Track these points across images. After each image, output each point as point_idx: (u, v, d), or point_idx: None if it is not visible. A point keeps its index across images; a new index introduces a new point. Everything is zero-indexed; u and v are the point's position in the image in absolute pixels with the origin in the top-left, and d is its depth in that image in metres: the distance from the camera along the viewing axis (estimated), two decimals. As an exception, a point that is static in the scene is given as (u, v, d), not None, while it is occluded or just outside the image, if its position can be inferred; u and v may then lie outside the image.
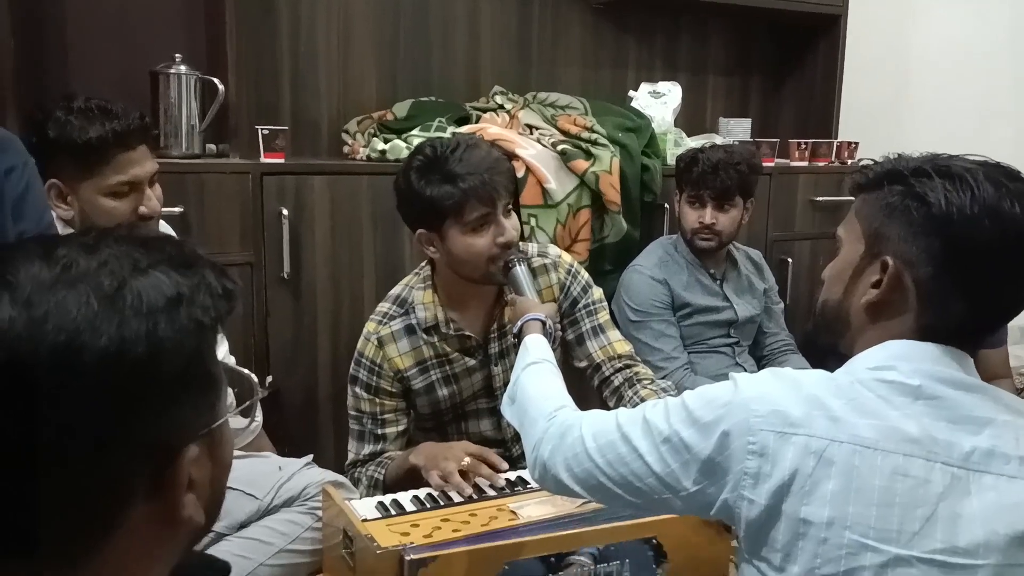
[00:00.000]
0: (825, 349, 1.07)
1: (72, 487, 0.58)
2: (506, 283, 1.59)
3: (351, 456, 1.70)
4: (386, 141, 2.34)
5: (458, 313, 1.67)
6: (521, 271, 1.57)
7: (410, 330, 1.66)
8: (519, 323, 1.47)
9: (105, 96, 1.54)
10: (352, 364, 1.69)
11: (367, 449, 1.68)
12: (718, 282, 2.36)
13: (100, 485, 0.59)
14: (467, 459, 1.47)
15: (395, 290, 1.72)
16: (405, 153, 2.28)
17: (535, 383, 1.26)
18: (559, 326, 1.68)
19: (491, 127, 2.38)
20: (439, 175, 1.52)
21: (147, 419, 0.60)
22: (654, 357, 2.21)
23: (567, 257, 1.77)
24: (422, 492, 1.45)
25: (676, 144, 2.64)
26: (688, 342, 2.32)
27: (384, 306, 1.70)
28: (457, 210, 1.52)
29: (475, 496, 1.41)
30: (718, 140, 2.67)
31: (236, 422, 1.59)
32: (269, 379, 2.14)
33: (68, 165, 1.47)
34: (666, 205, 2.56)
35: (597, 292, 1.77)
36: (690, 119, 3.03)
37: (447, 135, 2.25)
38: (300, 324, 2.20)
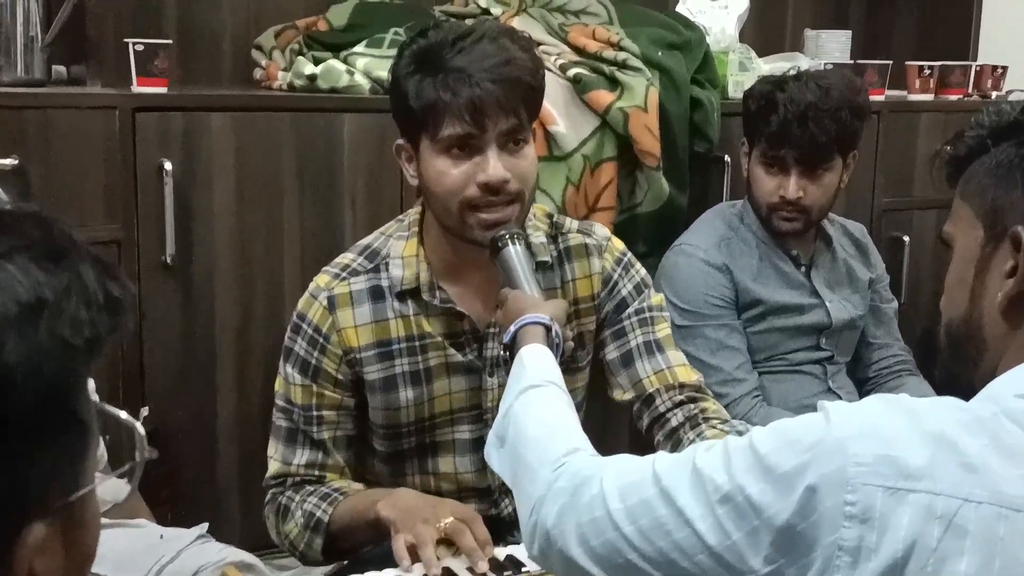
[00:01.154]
0: (960, 385, 1.07)
1: None
2: (494, 264, 1.62)
3: (274, 466, 1.71)
4: (318, 62, 2.35)
5: (450, 283, 1.70)
6: (514, 253, 1.58)
7: (376, 294, 1.68)
8: (512, 328, 1.49)
9: None
10: (287, 332, 1.71)
11: (299, 457, 1.69)
12: (803, 269, 2.37)
13: None
14: (447, 521, 1.49)
15: (365, 239, 1.76)
16: (345, 79, 2.31)
17: (536, 416, 1.25)
18: (569, 334, 1.65)
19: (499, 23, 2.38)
20: (427, 66, 1.56)
21: None
22: (710, 379, 2.16)
23: (619, 242, 1.82)
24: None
25: (742, 68, 2.63)
26: (759, 357, 2.33)
27: (346, 257, 1.73)
28: (429, 119, 1.56)
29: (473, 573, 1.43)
30: (804, 63, 2.66)
31: (107, 489, 1.57)
32: (145, 411, 2.14)
33: None
34: (727, 158, 2.55)
35: (657, 297, 1.81)
36: (764, 32, 3.01)
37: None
38: (191, 331, 2.20)
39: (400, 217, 1.76)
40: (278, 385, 1.72)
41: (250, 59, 2.53)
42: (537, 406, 1.28)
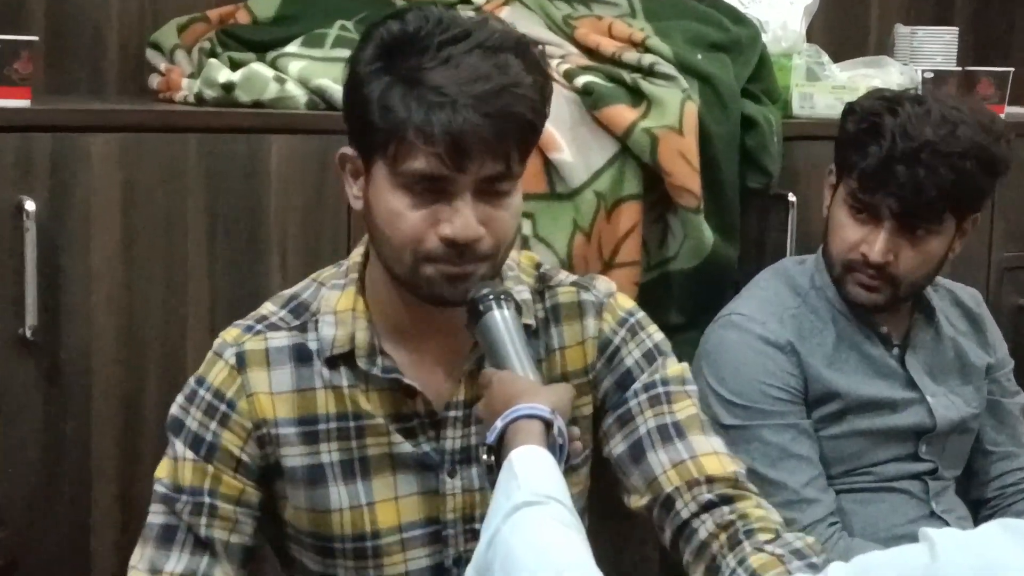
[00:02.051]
0: None
1: None
2: (471, 333, 1.65)
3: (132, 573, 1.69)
4: (236, 66, 2.37)
5: (399, 347, 1.72)
6: (502, 319, 1.60)
7: (301, 355, 1.71)
8: (499, 424, 1.49)
9: None
10: (177, 400, 1.74)
11: (174, 563, 1.68)
12: (896, 352, 2.38)
13: None
14: None
15: (292, 288, 1.80)
16: (273, 89, 2.33)
17: (532, 545, 1.28)
18: (577, 431, 1.65)
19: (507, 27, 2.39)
20: (399, 67, 1.57)
21: None
22: (772, 498, 2.13)
23: (625, 298, 1.85)
24: None
25: (811, 77, 2.64)
26: (838, 470, 2.33)
27: (265, 308, 1.77)
28: (392, 142, 1.57)
29: None
30: (894, 71, 2.67)
31: None
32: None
33: None
34: (791, 196, 2.57)
35: (676, 367, 1.81)
36: (840, 27, 3.05)
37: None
38: (58, 428, 2.19)
39: (339, 263, 1.79)
40: (160, 470, 1.72)
41: (144, 62, 2.55)
42: (533, 530, 1.30)
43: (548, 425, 1.47)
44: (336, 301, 1.71)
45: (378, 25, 1.63)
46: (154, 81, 2.51)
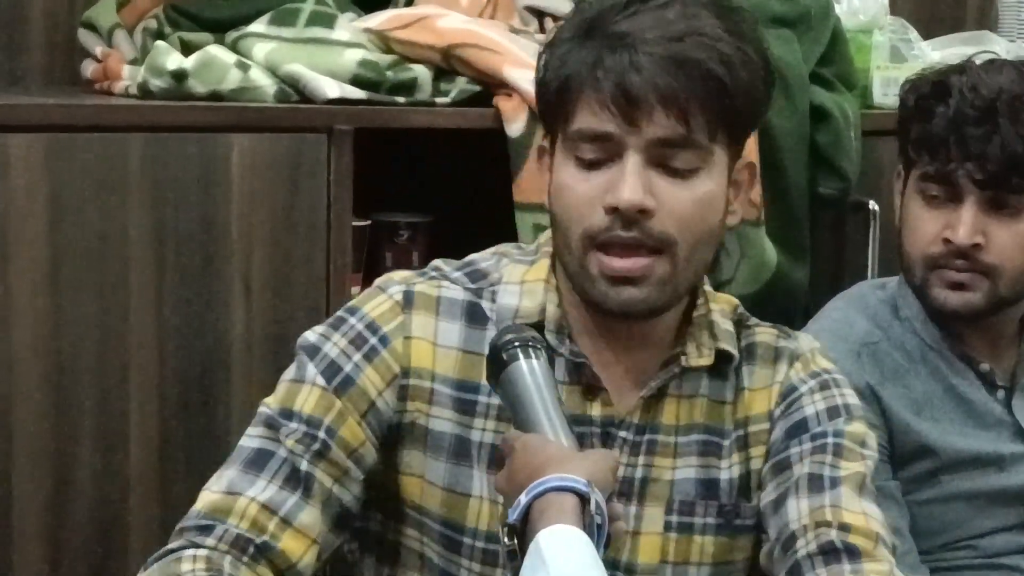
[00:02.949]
0: None
1: None
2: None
3: (205, 499, 1.69)
4: (188, 49, 2.39)
5: (588, 343, 1.79)
6: (528, 370, 1.62)
7: (475, 315, 1.80)
8: (523, 499, 1.49)
9: None
10: (319, 327, 1.80)
11: (258, 490, 1.68)
12: (1002, 394, 2.40)
13: None
14: None
15: (473, 255, 1.89)
16: (235, 77, 2.34)
17: None
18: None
19: (442, 14, 2.41)
20: (587, 31, 1.69)
21: None
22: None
23: (829, 360, 1.92)
24: None
25: (896, 57, 2.68)
26: (934, 543, 2.34)
27: (440, 263, 1.87)
28: (561, 100, 1.68)
29: None
30: (1000, 48, 2.66)
31: None
32: None
33: None
34: (873, 205, 2.60)
35: (860, 427, 1.86)
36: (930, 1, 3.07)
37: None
38: None
39: (520, 244, 1.91)
40: (273, 398, 1.76)
41: (76, 46, 2.58)
42: None
43: (584, 500, 1.46)
44: (524, 272, 1.80)
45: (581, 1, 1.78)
46: (88, 69, 2.53)
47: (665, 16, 1.63)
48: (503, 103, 2.34)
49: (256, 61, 2.34)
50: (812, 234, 2.55)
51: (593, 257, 1.65)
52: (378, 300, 1.76)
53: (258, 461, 1.69)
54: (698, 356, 1.77)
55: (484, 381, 1.73)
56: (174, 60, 2.32)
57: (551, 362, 1.67)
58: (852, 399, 1.86)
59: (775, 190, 2.47)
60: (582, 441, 1.69)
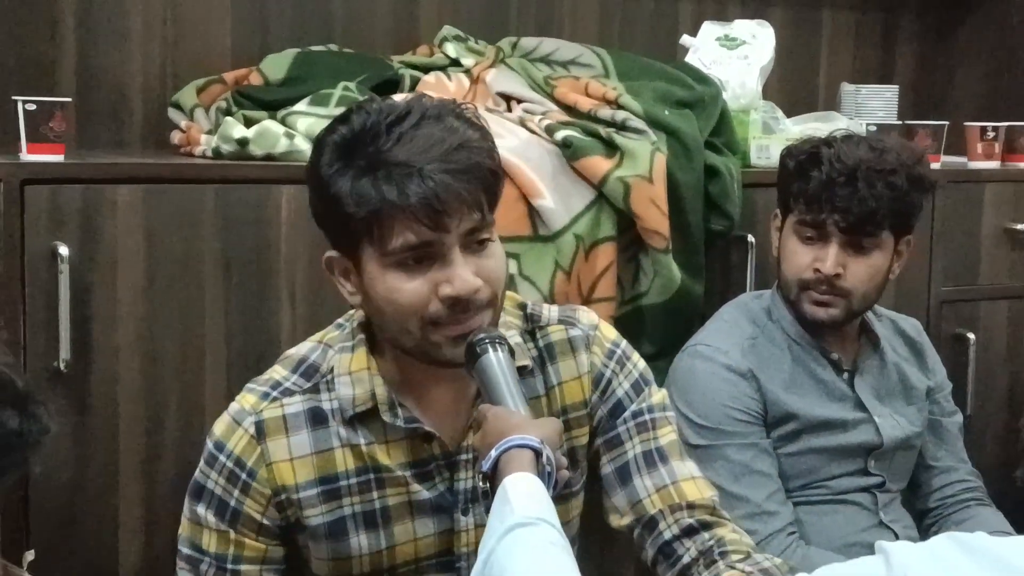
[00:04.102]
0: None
1: None
2: (469, 374, 1.61)
3: None
4: (249, 123, 2.34)
5: (411, 399, 1.68)
6: (496, 361, 1.56)
7: (317, 418, 1.66)
8: (493, 454, 1.47)
9: None
10: (200, 464, 1.69)
11: None
12: (846, 376, 2.35)
13: None
14: None
15: (298, 350, 1.74)
16: (284, 144, 2.29)
17: (524, 563, 1.27)
18: (564, 459, 1.61)
19: (436, 98, 2.35)
20: (360, 160, 1.52)
21: None
22: (735, 512, 2.11)
23: (609, 329, 1.82)
24: None
25: (767, 130, 2.64)
26: (794, 485, 2.29)
27: (276, 372, 1.71)
28: (374, 227, 1.52)
29: None
30: (842, 123, 2.66)
31: None
32: (29, 557, 2.06)
33: None
34: (751, 238, 2.56)
35: (659, 394, 1.80)
36: (792, 86, 3.06)
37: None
38: (86, 456, 2.13)
39: (339, 321, 1.74)
40: (183, 528, 1.69)
41: (166, 120, 2.53)
42: (525, 550, 1.29)
43: (538, 454, 1.45)
44: (349, 362, 1.66)
45: (327, 132, 1.60)
46: (175, 137, 2.49)
47: (432, 134, 1.53)
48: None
49: (299, 132, 2.31)
50: (706, 259, 2.52)
51: (436, 333, 1.55)
52: (237, 435, 1.64)
53: None
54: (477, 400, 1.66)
55: (340, 469, 1.66)
56: (239, 131, 2.32)
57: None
58: (641, 363, 1.80)
59: (679, 226, 2.44)
60: (431, 475, 1.68)
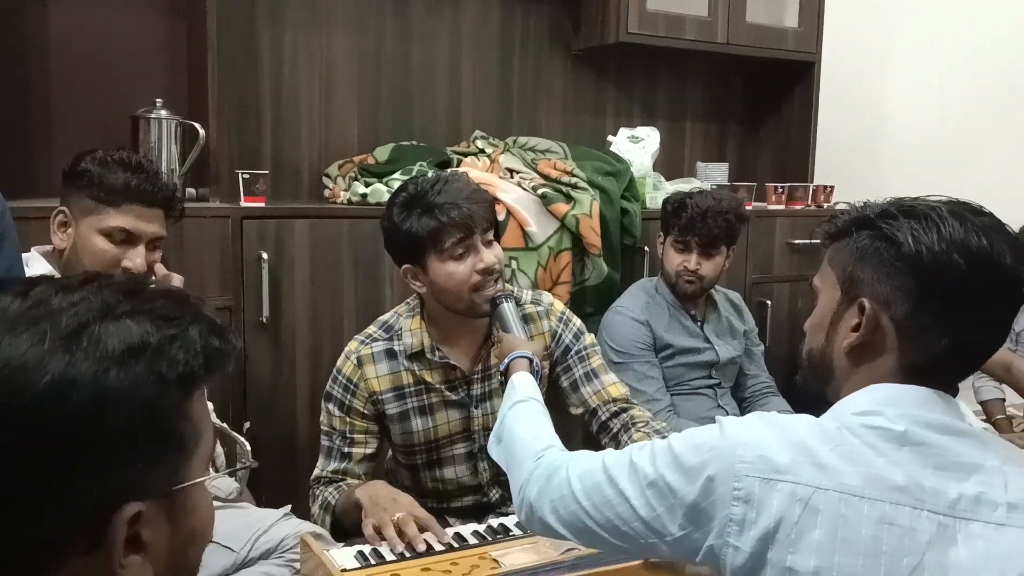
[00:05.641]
0: (810, 395, 1.07)
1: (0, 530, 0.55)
2: (492, 318, 1.58)
3: (316, 471, 1.67)
4: (367, 185, 2.34)
5: (446, 346, 1.64)
6: (508, 308, 1.55)
7: (391, 354, 1.64)
8: (506, 361, 1.46)
9: (89, 141, 1.57)
10: (329, 380, 1.66)
11: (332, 466, 1.64)
12: (699, 323, 2.34)
13: (31, 531, 0.55)
14: (399, 514, 1.42)
15: (384, 316, 1.71)
16: (386, 196, 2.23)
17: (522, 422, 1.24)
18: (546, 364, 1.66)
19: (472, 171, 2.38)
20: (419, 208, 1.52)
21: (85, 467, 0.56)
22: (637, 399, 2.11)
23: (559, 305, 1.76)
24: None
25: (655, 188, 2.64)
26: (670, 384, 2.29)
27: (370, 328, 1.69)
28: (436, 239, 1.51)
29: (407, 554, 1.35)
30: (697, 184, 2.66)
31: (222, 485, 1.53)
32: (247, 425, 2.08)
33: (83, 197, 1.51)
34: (646, 248, 2.55)
35: (589, 337, 1.75)
36: (668, 163, 3.04)
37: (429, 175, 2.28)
38: (279, 370, 2.16)
39: (407, 301, 1.72)
40: (322, 417, 1.68)
41: (321, 182, 2.52)
42: (523, 416, 1.26)
43: (531, 361, 1.45)
44: (409, 324, 1.65)
45: (392, 200, 1.58)
46: (326, 192, 2.45)
47: (458, 186, 1.55)
48: (496, 206, 2.25)
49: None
50: (621, 260, 2.51)
51: (477, 296, 1.54)
52: (347, 364, 1.63)
53: (328, 453, 1.65)
54: (497, 331, 1.61)
55: (404, 383, 1.62)
56: (361, 189, 2.32)
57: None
58: (577, 321, 1.74)
59: (607, 242, 2.44)
60: (456, 387, 1.64)
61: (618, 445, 1.64)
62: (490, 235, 1.57)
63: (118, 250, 1.50)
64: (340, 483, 1.63)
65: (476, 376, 1.66)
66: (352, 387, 1.63)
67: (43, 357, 0.56)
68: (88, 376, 0.56)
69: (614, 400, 1.69)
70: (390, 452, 1.76)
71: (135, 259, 1.51)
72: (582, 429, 1.79)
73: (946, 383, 0.95)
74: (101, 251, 1.49)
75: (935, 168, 3.50)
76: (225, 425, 1.69)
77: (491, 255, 1.55)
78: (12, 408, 0.54)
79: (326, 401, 1.66)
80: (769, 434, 0.92)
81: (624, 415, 1.68)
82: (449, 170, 2.09)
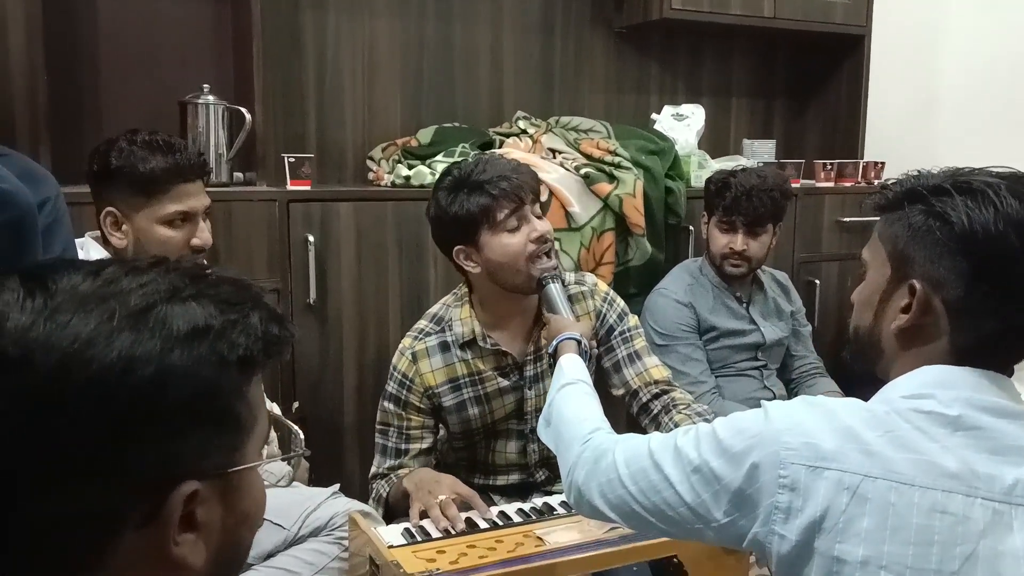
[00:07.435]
0: (859, 374, 1.04)
1: (57, 504, 0.56)
2: (540, 299, 1.59)
3: (372, 469, 1.69)
4: (410, 167, 2.34)
5: (496, 332, 1.65)
6: (555, 289, 1.55)
7: (444, 347, 1.65)
8: (554, 343, 1.46)
9: (139, 127, 1.58)
10: (387, 380, 1.68)
11: (388, 463, 1.67)
12: (744, 305, 2.32)
13: (93, 499, 0.57)
14: (442, 496, 1.44)
15: (432, 309, 1.72)
16: (429, 179, 2.27)
17: (570, 405, 1.24)
18: (595, 344, 1.66)
19: (514, 151, 2.37)
20: (467, 188, 1.53)
21: (144, 443, 0.58)
22: (681, 382, 2.14)
23: (603, 285, 1.76)
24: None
25: (700, 166, 2.62)
26: (715, 366, 2.27)
27: (421, 323, 1.70)
28: (488, 214, 1.52)
29: (452, 531, 1.37)
30: (743, 162, 2.62)
31: (276, 470, 1.56)
32: (296, 405, 2.11)
33: (127, 193, 1.51)
34: (691, 227, 2.53)
35: (633, 319, 1.74)
36: (714, 141, 3.00)
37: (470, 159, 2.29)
38: (326, 350, 2.18)
39: (454, 291, 1.73)
40: (379, 415, 1.69)
41: (365, 165, 2.53)
42: (571, 398, 1.26)
43: (579, 343, 1.45)
44: (459, 313, 1.66)
45: (438, 185, 1.59)
46: (370, 175, 2.47)
47: (501, 163, 1.56)
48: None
49: (438, 172, 2.25)
50: (665, 239, 2.49)
51: (533, 267, 1.54)
52: (402, 361, 1.64)
53: (384, 452, 1.66)
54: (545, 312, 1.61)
55: (459, 373, 1.63)
56: (404, 172, 2.32)
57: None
58: (621, 302, 1.74)
59: (650, 222, 2.42)
60: (508, 373, 1.65)
61: (659, 427, 1.65)
62: (538, 207, 1.58)
63: (181, 233, 1.53)
64: (389, 477, 1.66)
65: (528, 358, 1.66)
66: (408, 383, 1.65)
67: (111, 334, 0.57)
68: (153, 354, 0.58)
69: (656, 382, 1.69)
70: (442, 431, 1.78)
71: (203, 235, 1.56)
72: (625, 412, 1.78)
73: (1001, 365, 0.93)
74: (168, 238, 1.51)
75: (991, 145, 3.37)
76: (279, 412, 1.71)
77: (541, 225, 1.56)
78: (79, 380, 0.56)
79: (383, 398, 1.68)
80: (815, 419, 0.90)
81: (665, 397, 1.68)
82: (488, 151, 2.08)
